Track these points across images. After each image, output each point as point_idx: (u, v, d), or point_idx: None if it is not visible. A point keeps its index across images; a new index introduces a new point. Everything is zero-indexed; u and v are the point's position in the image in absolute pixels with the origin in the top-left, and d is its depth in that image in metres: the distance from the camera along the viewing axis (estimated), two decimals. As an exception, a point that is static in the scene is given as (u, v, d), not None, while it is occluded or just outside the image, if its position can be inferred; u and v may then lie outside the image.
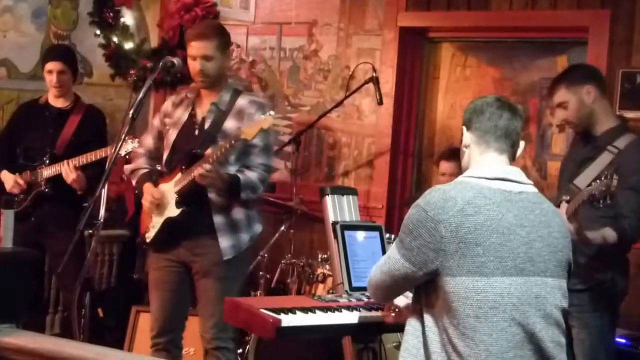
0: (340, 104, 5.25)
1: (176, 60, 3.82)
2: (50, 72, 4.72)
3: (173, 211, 3.81)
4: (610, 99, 4.64)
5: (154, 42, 6.09)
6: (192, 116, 3.93)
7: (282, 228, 5.07)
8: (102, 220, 3.79)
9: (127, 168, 4.13)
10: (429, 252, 2.41)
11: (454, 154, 4.33)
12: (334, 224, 3.10)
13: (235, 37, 5.86)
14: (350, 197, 3.27)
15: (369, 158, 5.49)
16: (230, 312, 2.87)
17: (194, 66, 3.83)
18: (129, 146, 4.19)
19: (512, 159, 2.60)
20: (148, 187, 3.88)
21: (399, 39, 5.37)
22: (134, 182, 4.05)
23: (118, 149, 3.64)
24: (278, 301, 3.14)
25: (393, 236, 4.51)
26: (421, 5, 5.32)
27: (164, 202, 3.84)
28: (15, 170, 4.70)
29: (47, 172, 4.62)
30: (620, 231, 3.41)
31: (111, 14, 5.82)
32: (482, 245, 2.38)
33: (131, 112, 3.59)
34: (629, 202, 3.42)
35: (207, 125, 3.86)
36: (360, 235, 3.13)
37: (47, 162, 4.64)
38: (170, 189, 3.83)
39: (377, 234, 3.20)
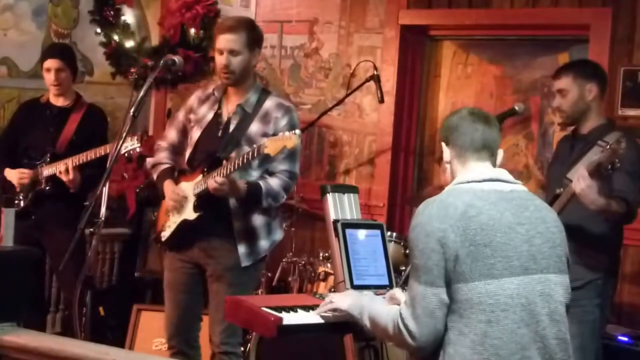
0: (341, 102, 5.25)
1: (177, 58, 3.80)
2: (48, 69, 4.71)
3: (190, 214, 3.74)
4: (612, 96, 4.65)
5: (155, 40, 6.09)
6: (217, 115, 3.83)
7: (283, 226, 5.06)
8: (102, 219, 3.77)
9: (149, 161, 4.04)
10: (447, 263, 2.36)
11: None
12: (335, 222, 3.10)
13: (236, 35, 5.87)
14: (351, 195, 3.26)
15: (369, 156, 5.48)
16: (231, 311, 2.87)
17: (220, 60, 3.73)
18: (129, 144, 4.16)
19: (495, 164, 2.61)
20: (169, 185, 3.81)
21: (399, 37, 5.37)
22: (154, 176, 3.97)
23: (119, 147, 3.63)
24: (279, 299, 3.15)
25: (394, 234, 4.53)
26: (422, 2, 5.32)
27: (183, 201, 3.78)
28: (17, 167, 4.70)
29: (47, 170, 4.62)
30: (626, 203, 3.51)
31: (112, 12, 5.81)
32: (490, 245, 2.37)
33: (132, 110, 3.58)
34: (626, 184, 3.53)
35: (231, 127, 3.77)
36: (361, 233, 3.12)
37: (48, 160, 4.64)
38: (189, 190, 3.76)
39: (378, 232, 3.19)
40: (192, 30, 5.80)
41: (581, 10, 4.84)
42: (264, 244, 3.80)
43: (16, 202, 4.61)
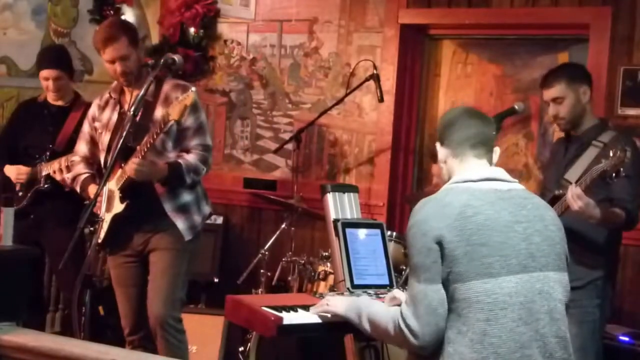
0: (340, 101, 5.24)
1: (177, 57, 3.82)
2: (46, 79, 4.72)
3: (118, 207, 3.85)
4: (611, 96, 4.65)
5: (155, 39, 6.08)
6: (122, 114, 3.95)
7: (283, 225, 5.07)
8: (102, 217, 3.78)
9: (68, 177, 4.22)
10: (444, 262, 2.37)
11: None
12: (335, 221, 3.10)
13: (236, 35, 5.88)
14: (351, 194, 3.26)
15: (369, 155, 5.48)
16: (231, 310, 2.87)
17: (114, 69, 3.90)
18: None
19: (491, 162, 2.61)
20: (93, 189, 3.90)
21: (399, 36, 5.35)
22: (77, 189, 4.08)
23: (119, 146, 3.63)
24: (279, 299, 3.14)
25: (394, 233, 4.52)
26: (422, 2, 5.31)
27: (111, 200, 3.87)
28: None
29: (46, 168, 4.62)
30: (625, 212, 3.52)
31: (111, 11, 5.82)
32: (487, 245, 2.37)
33: (132, 109, 3.59)
34: (624, 187, 3.51)
35: (137, 119, 3.86)
36: (361, 232, 3.13)
37: (47, 158, 4.64)
38: (113, 187, 3.86)
39: (378, 231, 3.19)
40: (192, 30, 5.80)
41: (581, 10, 4.83)
42: (197, 218, 3.96)
43: (18, 197, 4.60)
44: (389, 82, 5.33)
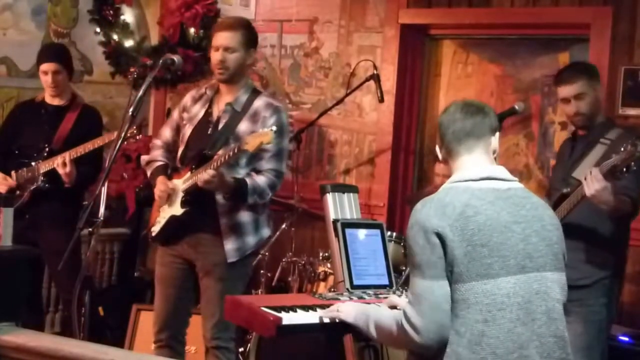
0: (341, 101, 5.24)
1: (176, 58, 3.80)
2: (45, 72, 4.71)
3: (177, 209, 3.81)
4: (612, 96, 4.65)
5: (154, 39, 6.08)
6: (208, 114, 3.90)
7: (283, 226, 5.06)
8: (102, 218, 3.77)
9: (144, 159, 4.13)
10: (447, 257, 2.36)
11: None
12: (335, 221, 3.09)
13: (236, 34, 5.87)
14: (351, 194, 3.26)
15: (369, 155, 5.47)
16: (230, 310, 2.86)
17: (215, 56, 3.82)
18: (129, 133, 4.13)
19: (490, 152, 2.57)
20: (161, 179, 3.87)
21: (399, 36, 5.36)
22: (148, 173, 4.05)
23: (118, 146, 3.62)
24: (279, 299, 3.14)
25: (394, 234, 4.52)
26: (422, 2, 5.31)
27: (173, 197, 3.84)
28: (12, 167, 4.68)
29: (44, 166, 4.60)
30: (631, 200, 3.53)
31: (111, 11, 5.80)
32: (487, 245, 2.36)
33: (131, 109, 3.58)
34: (631, 181, 3.51)
35: (220, 125, 3.84)
36: (361, 232, 3.12)
37: (45, 156, 4.62)
38: (179, 186, 3.83)
39: (378, 231, 3.19)
40: (192, 30, 5.80)
41: (582, 9, 4.83)
42: (250, 240, 3.84)
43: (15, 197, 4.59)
44: (389, 82, 5.33)
